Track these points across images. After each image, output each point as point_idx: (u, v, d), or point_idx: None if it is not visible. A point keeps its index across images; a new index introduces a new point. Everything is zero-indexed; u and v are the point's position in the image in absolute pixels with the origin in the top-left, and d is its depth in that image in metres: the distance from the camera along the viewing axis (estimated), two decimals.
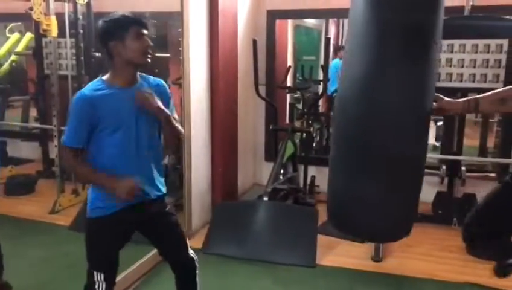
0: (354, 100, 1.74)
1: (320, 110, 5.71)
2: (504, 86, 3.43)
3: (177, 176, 3.74)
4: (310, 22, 6.53)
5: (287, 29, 5.74)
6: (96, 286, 1.83)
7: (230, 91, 3.93)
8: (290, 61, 5.85)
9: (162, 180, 1.96)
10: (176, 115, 1.92)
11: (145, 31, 1.75)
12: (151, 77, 1.92)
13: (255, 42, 3.88)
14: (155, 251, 2.99)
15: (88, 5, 4.16)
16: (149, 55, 1.75)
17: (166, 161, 3.75)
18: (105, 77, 1.80)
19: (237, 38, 4.00)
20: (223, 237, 3.26)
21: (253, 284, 2.86)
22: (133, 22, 1.73)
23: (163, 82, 1.95)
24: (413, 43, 1.68)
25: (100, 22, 1.76)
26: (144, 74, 1.88)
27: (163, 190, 1.95)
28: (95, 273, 1.84)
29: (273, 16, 4.59)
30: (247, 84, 4.17)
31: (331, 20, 6.61)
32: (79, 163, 1.79)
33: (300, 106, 5.27)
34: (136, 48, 1.72)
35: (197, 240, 3.37)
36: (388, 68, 1.68)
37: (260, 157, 4.86)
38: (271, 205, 3.36)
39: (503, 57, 3.42)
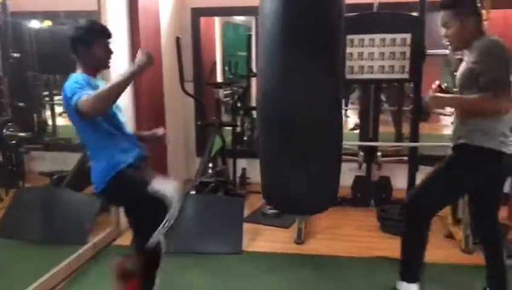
0: (271, 94, 1.94)
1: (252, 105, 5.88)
2: (410, 76, 3.79)
3: None
4: (239, 18, 6.67)
5: (215, 26, 5.84)
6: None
7: (155, 88, 3.97)
8: (219, 58, 5.96)
9: None
10: None
11: (110, 40, 2.10)
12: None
13: (178, 40, 3.95)
14: (82, 250, 3.04)
15: (4, 5, 4.02)
16: (110, 61, 2.15)
17: None
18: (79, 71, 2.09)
19: (160, 36, 4.04)
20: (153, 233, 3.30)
21: (181, 275, 2.94)
22: (100, 32, 2.07)
23: None
24: (319, 37, 1.87)
25: (73, 27, 2.09)
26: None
27: None
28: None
29: (198, 13, 4.67)
30: (175, 82, 4.22)
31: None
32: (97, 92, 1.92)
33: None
34: (100, 56, 2.08)
35: (126, 238, 3.40)
36: (297, 63, 1.88)
37: (192, 152, 4.93)
38: (198, 198, 3.47)
39: (407, 49, 3.71)
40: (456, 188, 2.31)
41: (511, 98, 1.98)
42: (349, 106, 8.04)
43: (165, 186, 2.05)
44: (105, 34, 2.10)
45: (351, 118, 7.12)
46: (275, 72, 1.98)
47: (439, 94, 2.22)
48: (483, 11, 2.97)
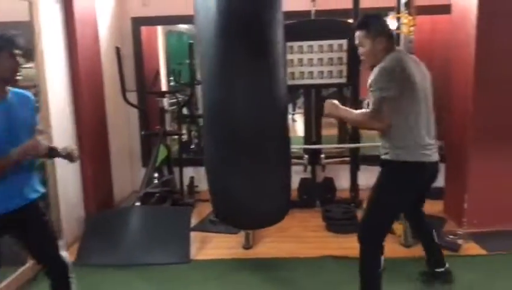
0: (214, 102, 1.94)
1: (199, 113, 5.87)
2: (347, 80, 3.94)
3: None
4: (183, 26, 6.65)
5: (157, 34, 5.79)
6: None
7: (97, 99, 3.89)
8: (163, 66, 5.92)
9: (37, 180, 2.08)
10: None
11: (17, 51, 1.89)
12: (20, 90, 2.03)
13: (118, 49, 3.90)
14: (21, 270, 2.91)
15: None
16: (18, 74, 1.90)
17: None
18: None
19: (99, 46, 3.96)
20: (97, 247, 3.23)
21: (127, 288, 2.89)
22: (7, 42, 1.87)
23: (30, 94, 2.09)
24: (257, 43, 1.89)
25: None
26: (12, 88, 1.97)
27: (41, 190, 2.08)
28: None
29: (138, 22, 4.63)
30: (117, 91, 4.15)
31: None
32: None
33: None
34: (7, 68, 1.87)
35: (71, 254, 3.29)
36: (236, 68, 1.87)
37: (137, 163, 4.85)
38: (143, 209, 3.42)
39: (344, 55, 3.87)
40: (397, 204, 2.41)
41: (382, 120, 2.18)
42: (297, 110, 8.24)
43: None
44: (14, 44, 1.88)
45: (299, 122, 7.28)
46: (214, 77, 1.97)
47: (337, 103, 2.37)
48: (410, 17, 3.17)
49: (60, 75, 3.45)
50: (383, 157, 2.35)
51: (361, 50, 2.35)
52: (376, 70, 2.23)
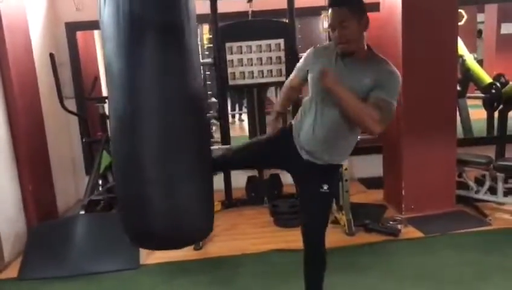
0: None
1: None
2: (287, 78, 4.04)
3: None
4: None
5: (94, 39, 5.65)
6: None
7: (33, 108, 3.75)
8: (102, 72, 5.78)
9: None
10: None
11: None
12: None
13: (52, 56, 3.78)
14: None
15: None
16: None
17: None
18: None
19: (33, 54, 3.82)
20: (41, 260, 3.13)
21: None
22: None
23: None
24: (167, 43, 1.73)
25: None
26: None
27: None
28: None
29: (73, 27, 4.51)
30: (54, 99, 4.02)
31: None
32: None
33: None
34: None
35: (13, 269, 3.18)
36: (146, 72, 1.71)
37: (80, 171, 4.73)
38: (87, 217, 3.35)
39: (282, 54, 3.98)
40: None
41: (382, 127, 1.89)
42: (244, 109, 8.32)
43: None
44: None
45: (246, 122, 7.35)
46: (119, 74, 1.73)
47: (333, 77, 1.92)
48: None
49: None
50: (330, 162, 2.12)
51: (341, 31, 1.89)
52: (391, 74, 1.93)
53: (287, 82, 2.32)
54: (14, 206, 3.48)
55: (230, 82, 4.01)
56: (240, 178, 4.30)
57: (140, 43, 1.67)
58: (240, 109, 8.48)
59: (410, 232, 3.49)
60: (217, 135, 5.06)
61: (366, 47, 1.98)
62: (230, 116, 5.37)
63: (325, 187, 2.11)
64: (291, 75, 2.27)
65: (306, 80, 2.14)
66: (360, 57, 1.96)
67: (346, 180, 3.50)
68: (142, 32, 1.68)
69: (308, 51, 2.17)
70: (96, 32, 5.63)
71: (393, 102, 1.90)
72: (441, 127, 3.71)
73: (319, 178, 2.12)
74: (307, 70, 2.12)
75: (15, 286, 3.04)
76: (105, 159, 4.00)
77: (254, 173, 4.43)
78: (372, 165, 4.43)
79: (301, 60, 2.19)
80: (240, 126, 8.12)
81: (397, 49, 3.59)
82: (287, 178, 4.41)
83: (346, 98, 1.89)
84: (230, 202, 4.24)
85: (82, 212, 3.36)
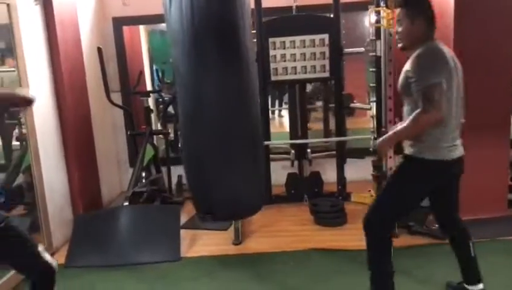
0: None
1: None
2: (330, 74, 3.98)
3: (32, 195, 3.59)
4: (165, 25, 6.61)
5: (140, 34, 5.76)
6: None
7: (80, 100, 3.87)
8: (147, 66, 5.89)
9: None
10: None
11: None
12: None
13: (99, 50, 3.88)
14: (11, 273, 2.91)
15: None
16: None
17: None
18: None
19: (81, 47, 3.94)
20: (86, 249, 3.23)
21: (119, 287, 2.90)
22: None
23: None
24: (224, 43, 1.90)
25: None
26: None
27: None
28: None
29: (119, 22, 4.60)
30: (101, 93, 4.13)
31: None
32: None
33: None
34: None
35: (61, 255, 3.30)
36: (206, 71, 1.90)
37: (125, 164, 4.84)
38: (131, 208, 3.42)
39: (326, 49, 3.91)
40: (408, 199, 2.28)
41: (439, 108, 1.98)
42: (283, 105, 8.27)
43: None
44: None
45: (286, 117, 7.31)
46: (185, 75, 1.99)
47: (381, 138, 2.26)
48: (389, 11, 3.21)
49: (42, 79, 3.43)
50: (406, 152, 2.23)
51: (399, 29, 2.19)
52: (414, 58, 2.07)
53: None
54: (62, 196, 3.60)
55: (273, 77, 3.98)
56: (279, 175, 4.28)
57: (203, 47, 1.82)
58: (280, 105, 8.44)
59: None
60: None
61: (423, 44, 2.12)
62: (269, 112, 5.34)
63: None
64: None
65: None
66: (412, 53, 2.13)
67: None
68: (204, 34, 1.81)
69: None
70: (141, 27, 5.75)
71: (422, 82, 1.99)
72: (493, 128, 3.51)
73: None
74: None
75: (61, 273, 3.08)
76: (149, 152, 4.07)
77: (294, 169, 4.39)
78: None
79: None
80: (280, 122, 8.07)
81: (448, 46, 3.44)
82: (328, 176, 4.37)
83: (398, 138, 2.20)
84: (269, 198, 4.22)
85: (126, 203, 3.43)
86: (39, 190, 3.25)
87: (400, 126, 2.18)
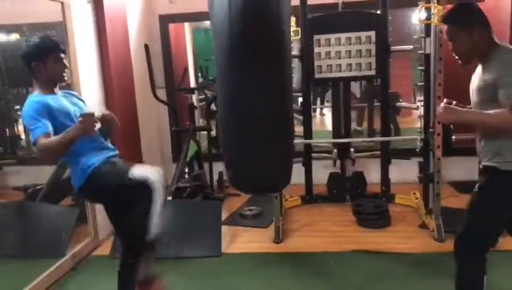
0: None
1: None
2: (377, 72, 3.89)
3: None
4: (209, 23, 6.70)
5: (185, 31, 5.86)
6: None
7: (127, 96, 3.98)
8: (191, 63, 5.98)
9: None
10: None
11: (62, 55, 2.11)
12: (67, 90, 2.32)
13: (146, 47, 3.96)
14: (60, 262, 3.03)
15: None
16: (65, 74, 2.14)
17: None
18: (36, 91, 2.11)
19: (129, 44, 4.05)
20: None
21: (166, 280, 2.96)
22: (53, 48, 2.09)
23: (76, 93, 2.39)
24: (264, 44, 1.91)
25: (25, 45, 2.12)
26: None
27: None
28: None
29: (166, 19, 4.69)
30: (146, 89, 4.22)
31: None
32: (49, 140, 1.96)
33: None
34: (55, 70, 2.10)
35: (106, 247, 3.40)
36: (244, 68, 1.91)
37: (168, 159, 4.93)
38: (175, 203, 3.48)
39: (373, 47, 3.81)
40: (498, 218, 2.07)
41: None
42: (325, 104, 8.18)
43: (144, 170, 2.11)
44: (58, 48, 2.12)
45: (327, 116, 7.23)
46: (226, 76, 2.03)
47: (453, 106, 2.02)
48: (440, 7, 3.10)
49: (92, 74, 3.55)
50: (486, 164, 2.04)
51: (453, 46, 2.03)
52: (503, 62, 1.91)
53: None
54: None
55: (317, 75, 3.93)
56: (321, 174, 4.23)
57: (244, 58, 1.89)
58: (322, 103, 8.35)
59: (506, 243, 3.19)
60: (298, 129, 5.03)
61: (488, 50, 1.97)
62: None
63: None
64: None
65: None
66: (481, 61, 2.01)
67: (438, 182, 3.28)
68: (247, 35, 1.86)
69: None
70: (186, 25, 5.84)
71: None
72: None
73: None
74: None
75: (106, 263, 3.23)
76: (192, 148, 4.13)
77: (336, 169, 4.33)
78: (464, 168, 4.13)
79: None
80: (321, 121, 7.99)
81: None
82: (371, 177, 4.27)
83: (472, 121, 2.00)
84: (310, 197, 4.18)
85: (169, 198, 3.49)
86: None
87: (483, 112, 1.94)
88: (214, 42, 2.04)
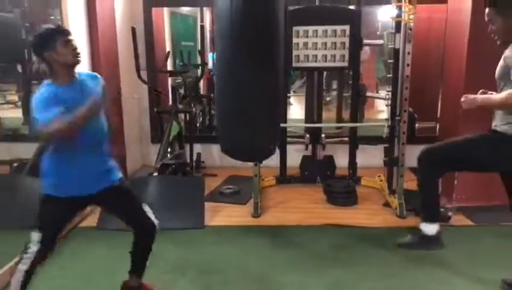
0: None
1: (202, 93, 6.09)
2: (349, 64, 4.20)
3: None
4: (185, 9, 6.83)
5: (163, 16, 5.97)
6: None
7: (114, 77, 4.11)
8: (168, 47, 6.11)
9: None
10: None
11: (70, 37, 2.05)
12: (86, 72, 2.25)
13: (133, 30, 4.10)
14: None
15: None
16: (78, 55, 2.07)
17: None
18: (51, 81, 2.06)
19: (115, 27, 4.17)
20: None
21: (156, 248, 3.16)
22: (58, 33, 2.03)
23: (96, 74, 2.28)
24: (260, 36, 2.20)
25: (33, 37, 2.07)
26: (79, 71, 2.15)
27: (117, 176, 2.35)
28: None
29: (149, 3, 4.82)
30: (130, 70, 4.35)
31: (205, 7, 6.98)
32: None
33: (182, 89, 5.58)
34: (67, 52, 2.02)
35: (93, 219, 3.55)
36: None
37: (146, 139, 5.10)
38: (161, 179, 3.68)
39: (347, 40, 4.11)
40: (476, 160, 2.44)
41: None
42: (292, 93, 8.47)
43: None
44: (64, 31, 2.06)
45: (294, 106, 7.52)
46: (224, 64, 2.33)
47: (472, 95, 2.30)
48: (411, 6, 3.42)
49: (82, 55, 3.65)
50: (496, 128, 2.35)
51: (491, 27, 2.26)
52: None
53: None
54: None
55: (294, 64, 4.19)
56: (294, 157, 4.53)
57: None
58: (289, 93, 8.64)
59: (459, 220, 3.60)
60: None
61: None
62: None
63: None
64: None
65: None
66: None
67: (401, 165, 3.65)
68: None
69: None
70: (165, 10, 5.96)
71: None
72: None
73: None
74: None
75: (93, 233, 3.40)
76: (174, 129, 4.32)
77: (308, 152, 4.64)
78: None
79: None
80: (288, 109, 8.27)
81: (463, 44, 3.64)
82: (340, 161, 4.61)
83: (487, 105, 2.27)
84: (284, 178, 4.48)
85: (155, 174, 3.69)
86: None
87: (495, 96, 2.25)
88: (216, 26, 2.31)
